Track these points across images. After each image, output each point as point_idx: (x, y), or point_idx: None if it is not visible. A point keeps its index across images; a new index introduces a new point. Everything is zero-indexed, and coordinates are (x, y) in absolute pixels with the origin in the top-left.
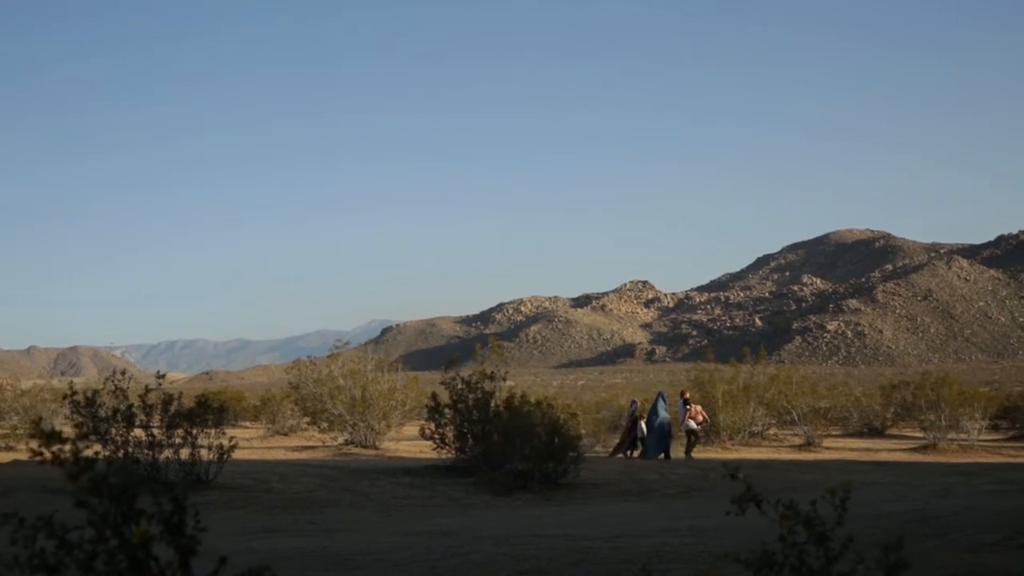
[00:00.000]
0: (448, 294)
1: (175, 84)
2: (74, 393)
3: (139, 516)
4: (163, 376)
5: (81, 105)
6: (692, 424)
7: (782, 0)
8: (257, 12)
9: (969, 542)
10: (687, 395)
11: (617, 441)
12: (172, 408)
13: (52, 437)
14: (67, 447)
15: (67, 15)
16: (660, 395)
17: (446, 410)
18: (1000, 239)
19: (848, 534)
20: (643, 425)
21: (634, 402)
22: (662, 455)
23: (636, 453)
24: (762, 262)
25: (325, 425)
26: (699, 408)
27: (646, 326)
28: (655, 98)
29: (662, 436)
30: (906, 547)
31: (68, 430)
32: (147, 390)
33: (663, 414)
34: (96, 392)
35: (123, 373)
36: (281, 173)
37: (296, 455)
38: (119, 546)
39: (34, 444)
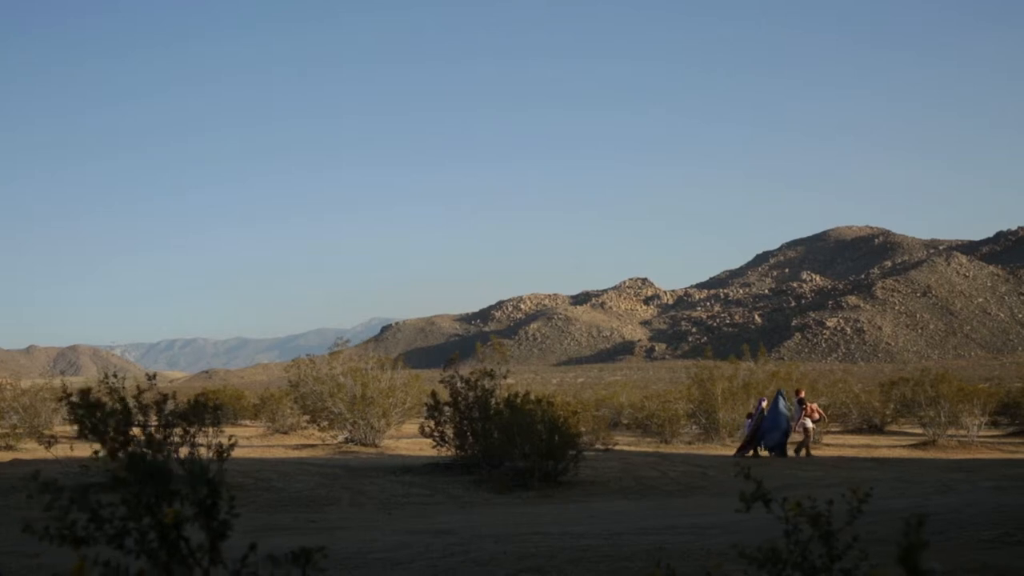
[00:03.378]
0: (448, 292)
1: (175, 84)
2: (70, 394)
3: (173, 496)
4: (154, 376)
5: (81, 106)
6: (809, 423)
7: (781, 0)
8: (257, 12)
9: (968, 539)
10: (803, 394)
11: (744, 440)
12: (168, 407)
13: (95, 407)
14: (111, 420)
15: (68, 15)
16: (780, 393)
17: (446, 408)
18: (999, 235)
19: (854, 533)
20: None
21: (761, 400)
22: (789, 451)
23: (764, 452)
24: (761, 259)
25: (325, 423)
26: (815, 407)
27: (646, 323)
28: (655, 98)
29: (783, 433)
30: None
31: (65, 429)
32: (140, 391)
33: (784, 412)
34: (91, 391)
35: (114, 375)
36: (281, 173)
37: (296, 453)
38: (151, 524)
39: (74, 415)
